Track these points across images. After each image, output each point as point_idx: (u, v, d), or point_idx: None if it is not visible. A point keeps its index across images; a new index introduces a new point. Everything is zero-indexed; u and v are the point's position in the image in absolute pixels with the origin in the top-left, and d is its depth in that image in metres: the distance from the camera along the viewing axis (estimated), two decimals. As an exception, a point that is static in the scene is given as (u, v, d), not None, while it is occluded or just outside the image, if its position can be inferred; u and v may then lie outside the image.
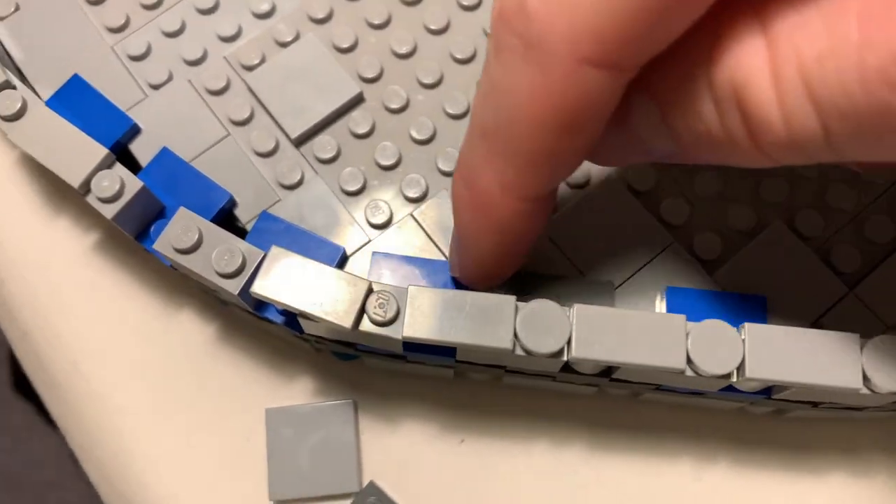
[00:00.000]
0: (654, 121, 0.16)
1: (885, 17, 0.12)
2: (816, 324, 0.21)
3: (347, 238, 0.23)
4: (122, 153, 0.24)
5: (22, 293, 0.26)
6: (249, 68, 0.25)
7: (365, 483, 0.23)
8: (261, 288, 0.19)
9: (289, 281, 0.19)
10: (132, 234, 0.22)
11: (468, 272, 0.20)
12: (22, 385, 0.81)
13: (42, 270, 0.26)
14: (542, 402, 0.23)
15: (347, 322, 0.19)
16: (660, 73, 0.15)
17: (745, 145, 0.14)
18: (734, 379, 0.18)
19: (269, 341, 0.24)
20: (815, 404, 0.21)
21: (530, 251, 0.20)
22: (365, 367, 0.24)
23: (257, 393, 0.24)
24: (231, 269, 0.20)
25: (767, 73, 0.13)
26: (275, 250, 0.19)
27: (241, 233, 0.23)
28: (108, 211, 0.21)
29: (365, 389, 0.24)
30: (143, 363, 0.24)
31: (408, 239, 0.23)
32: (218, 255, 0.20)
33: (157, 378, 0.24)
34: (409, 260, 0.22)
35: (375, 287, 0.19)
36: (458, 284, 0.21)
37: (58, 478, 0.78)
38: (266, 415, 0.23)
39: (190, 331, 0.25)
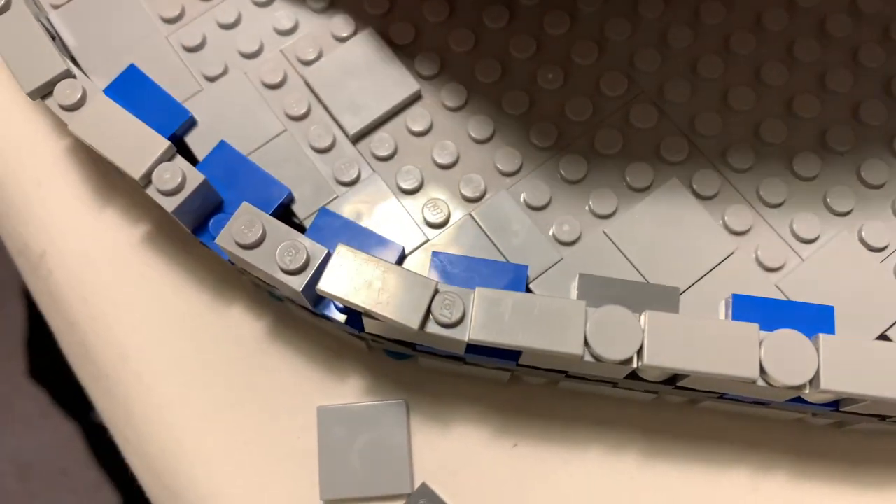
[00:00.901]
0: None
1: None
2: (883, 335, 0.21)
3: (405, 236, 0.22)
4: (178, 145, 0.23)
5: (70, 284, 0.26)
6: (307, 63, 0.24)
7: (417, 485, 0.22)
8: (328, 286, 0.19)
9: (355, 279, 0.19)
10: (190, 228, 0.22)
11: None
12: (37, 372, 0.81)
13: (90, 262, 0.25)
14: (596, 408, 0.23)
15: (414, 323, 0.18)
16: None
17: None
18: (807, 391, 0.18)
19: (321, 338, 0.24)
20: (882, 418, 0.20)
21: None
22: (417, 367, 0.24)
23: (308, 390, 0.24)
24: (296, 265, 0.19)
25: None
26: (342, 248, 0.19)
27: (298, 228, 0.22)
28: (169, 204, 0.21)
29: (417, 390, 0.23)
30: (192, 358, 0.24)
31: (466, 239, 0.22)
32: (282, 251, 0.20)
33: (208, 373, 0.24)
34: (469, 260, 0.21)
35: (441, 288, 0.19)
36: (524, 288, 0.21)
37: (69, 465, 0.78)
38: (318, 413, 0.23)
39: (241, 326, 0.24)
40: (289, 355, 0.24)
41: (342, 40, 0.25)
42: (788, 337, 0.18)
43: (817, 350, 0.18)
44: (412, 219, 0.23)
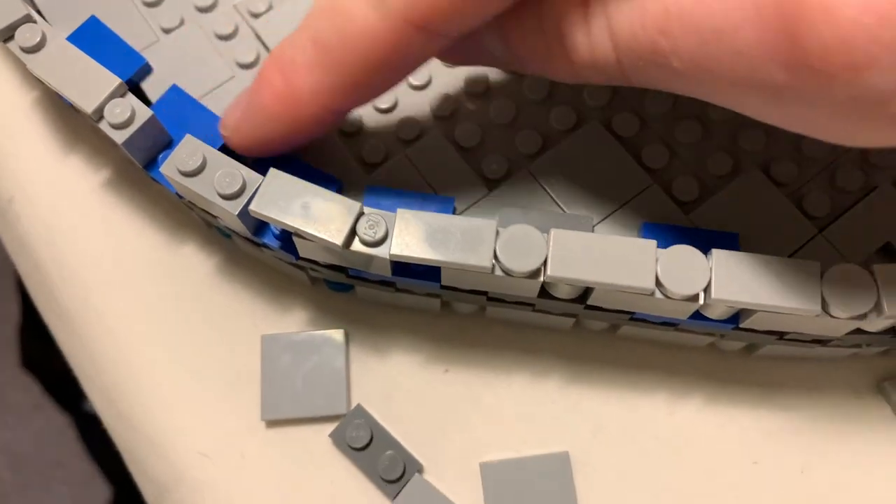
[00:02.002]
0: (497, 39, 0.20)
1: None
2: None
3: (343, 175, 0.24)
4: (135, 92, 0.25)
5: (36, 228, 0.27)
6: (257, 15, 0.26)
7: (354, 406, 0.24)
8: (258, 206, 0.20)
9: (285, 201, 0.20)
10: (141, 163, 0.23)
11: (245, 140, 0.22)
12: (30, 362, 0.83)
13: (55, 207, 0.27)
14: (523, 336, 0.24)
15: (339, 240, 0.20)
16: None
17: (561, 63, 0.18)
18: (700, 302, 0.19)
19: (267, 274, 0.26)
20: (781, 336, 0.22)
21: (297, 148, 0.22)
22: (357, 299, 0.25)
23: (255, 321, 0.25)
24: (232, 190, 0.21)
25: (583, 18, 0.17)
26: (273, 172, 0.21)
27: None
28: (119, 136, 0.22)
29: (357, 321, 0.25)
30: (148, 293, 0.26)
31: (401, 176, 0.24)
32: (220, 177, 0.21)
33: (162, 308, 0.25)
34: (401, 194, 0.23)
35: (366, 210, 0.20)
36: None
37: (63, 456, 0.79)
38: (262, 341, 0.24)
39: (193, 263, 0.26)
40: (237, 290, 0.26)
41: (291, -5, 0.26)
42: (683, 251, 0.20)
43: (710, 263, 0.19)
44: (352, 158, 0.24)
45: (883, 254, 0.23)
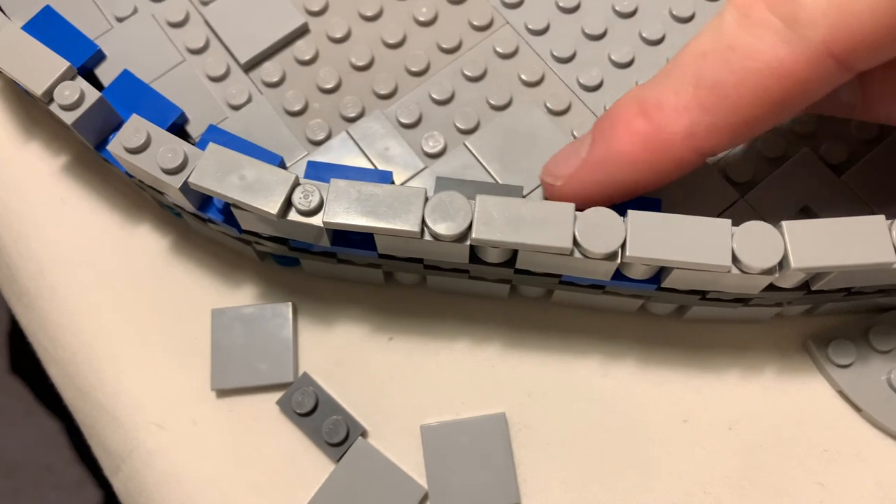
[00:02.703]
0: (855, 93, 0.20)
1: None
2: (709, 227, 0.23)
3: (288, 152, 0.25)
4: (89, 78, 0.26)
5: (-2, 211, 0.28)
6: (206, 3, 0.27)
7: (300, 374, 0.25)
8: (197, 178, 0.21)
9: (223, 174, 0.21)
10: (92, 144, 0.24)
11: (580, 189, 0.21)
12: (20, 368, 0.83)
13: (15, 189, 0.28)
14: (463, 305, 0.25)
15: (274, 209, 0.21)
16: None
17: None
18: (618, 260, 0.20)
19: (218, 251, 0.27)
20: (703, 296, 0.23)
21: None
22: (304, 274, 0.26)
23: (206, 297, 0.26)
24: (174, 165, 0.22)
25: None
26: (212, 147, 0.22)
27: (192, 147, 0.25)
28: (69, 118, 0.23)
29: (304, 294, 0.26)
30: (105, 271, 0.27)
31: (342, 152, 0.25)
32: (163, 152, 0.22)
33: (116, 284, 0.26)
34: (341, 167, 0.24)
35: (302, 181, 0.21)
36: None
37: (55, 461, 0.80)
38: (211, 314, 0.25)
39: (148, 242, 0.27)
40: (189, 267, 0.26)
41: (239, -17, 0.27)
42: (600, 213, 0.20)
43: (626, 223, 0.20)
44: (295, 137, 0.25)
45: (802, 216, 0.24)
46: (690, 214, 0.23)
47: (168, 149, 0.22)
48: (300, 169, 0.25)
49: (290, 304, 0.25)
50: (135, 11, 0.27)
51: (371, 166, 0.25)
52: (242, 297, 0.26)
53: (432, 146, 0.25)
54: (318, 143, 0.25)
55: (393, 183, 0.24)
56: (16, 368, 0.82)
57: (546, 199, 0.23)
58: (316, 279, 0.26)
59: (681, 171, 0.20)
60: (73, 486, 0.79)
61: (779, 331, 0.25)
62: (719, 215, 0.23)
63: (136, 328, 0.26)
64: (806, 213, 0.24)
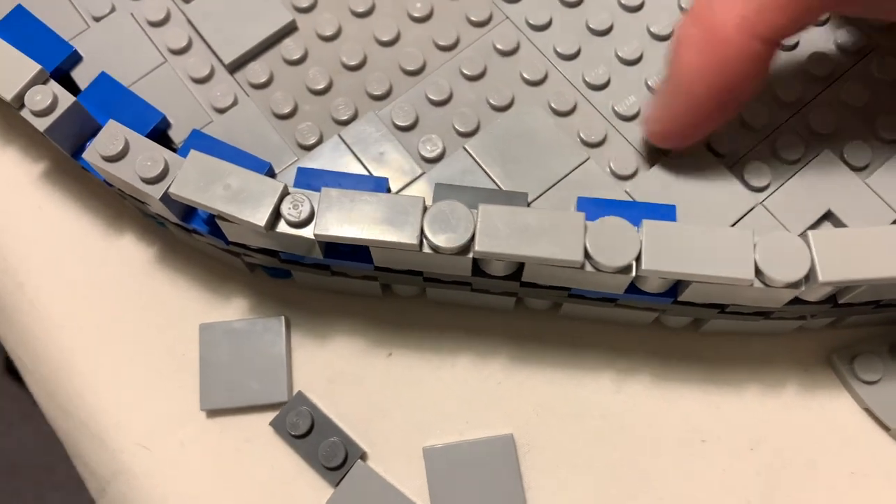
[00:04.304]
0: None
1: None
2: (726, 234, 0.22)
3: (277, 158, 0.23)
4: (66, 80, 0.24)
5: (-27, 221, 0.27)
6: (188, 0, 0.25)
7: (295, 394, 0.23)
8: (178, 188, 0.20)
9: (207, 183, 0.20)
10: (68, 151, 0.23)
11: (673, 122, 0.21)
12: (14, 369, 0.82)
13: (-8, 199, 0.26)
14: (466, 318, 0.24)
15: (262, 221, 0.19)
16: None
17: None
18: (633, 273, 0.19)
19: (206, 262, 0.25)
20: (722, 309, 0.21)
21: (739, 110, 0.21)
22: (298, 286, 0.24)
23: (194, 310, 0.25)
24: (154, 174, 0.20)
25: None
26: (194, 154, 0.20)
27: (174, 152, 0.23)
28: (41, 124, 0.22)
29: (297, 307, 0.24)
30: (86, 283, 0.25)
31: (334, 158, 0.23)
32: (142, 161, 0.21)
33: (99, 298, 0.25)
34: (333, 174, 0.22)
35: (291, 190, 0.20)
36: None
37: (54, 462, 0.79)
38: (200, 329, 0.24)
39: (131, 252, 0.25)
40: (176, 279, 0.25)
41: (224, -22, 0.26)
42: (613, 223, 0.19)
43: (641, 234, 0.19)
44: (284, 141, 0.24)
45: (824, 221, 0.22)
46: (706, 221, 0.22)
47: (147, 157, 0.21)
48: (290, 176, 0.23)
49: (282, 318, 0.24)
50: (112, 10, 0.25)
51: (365, 172, 0.23)
52: (232, 310, 0.25)
53: (430, 150, 0.23)
54: (308, 148, 0.24)
55: (389, 190, 0.23)
56: (11, 370, 0.81)
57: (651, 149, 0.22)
58: (309, 291, 0.25)
59: (754, 68, 0.19)
60: (73, 486, 0.78)
61: (801, 344, 0.23)
62: (737, 221, 0.22)
63: (120, 344, 0.24)
64: (828, 218, 0.22)
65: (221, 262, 0.25)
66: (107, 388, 0.24)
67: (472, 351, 0.24)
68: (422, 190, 0.23)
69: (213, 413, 0.24)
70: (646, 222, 0.19)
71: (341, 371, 0.24)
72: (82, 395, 0.24)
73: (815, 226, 0.22)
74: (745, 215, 0.22)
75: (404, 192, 0.23)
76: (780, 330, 0.23)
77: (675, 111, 0.20)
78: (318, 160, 0.23)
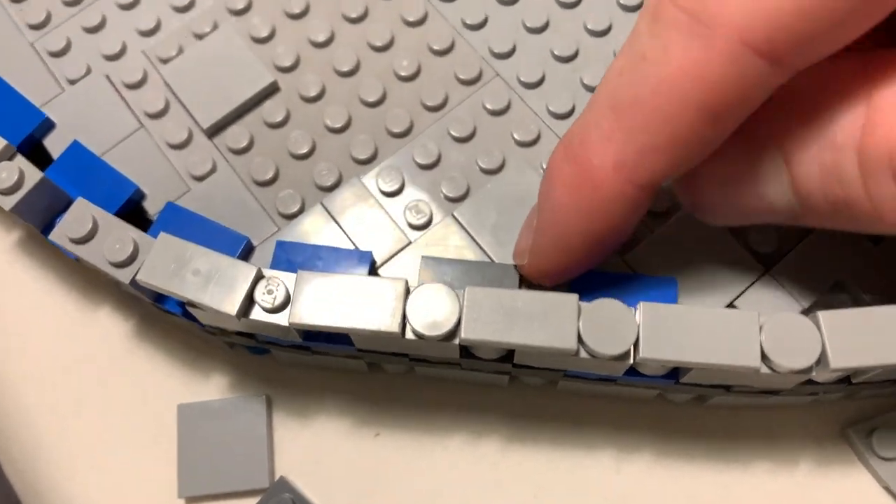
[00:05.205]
0: (783, 181, 0.16)
1: None
2: (731, 306, 0.21)
3: (255, 228, 0.22)
4: (37, 149, 0.24)
5: (-54, 293, 0.26)
6: (165, 61, 0.24)
7: (276, 479, 0.22)
8: (145, 275, 0.19)
9: (177, 268, 0.19)
10: (38, 227, 0.22)
11: (540, 259, 0.19)
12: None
13: (-35, 270, 0.25)
14: (458, 394, 0.23)
15: (233, 309, 0.18)
16: (797, 133, 0.15)
17: (891, 217, 0.15)
18: (630, 361, 0.18)
19: (185, 338, 0.24)
20: (727, 388, 0.20)
21: (607, 256, 0.19)
22: (280, 362, 0.23)
23: (172, 389, 0.23)
24: (122, 257, 0.19)
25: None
26: (163, 237, 0.19)
27: (150, 224, 0.22)
28: (7, 203, 0.21)
29: (280, 385, 0.23)
30: (60, 359, 0.24)
31: (316, 228, 0.22)
32: (111, 243, 0.20)
33: (73, 374, 0.24)
34: (314, 248, 0.21)
35: (266, 273, 0.19)
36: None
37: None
38: (178, 410, 0.23)
39: (108, 327, 0.24)
40: (154, 355, 0.24)
41: (202, 37, 0.25)
42: (609, 306, 0.18)
43: (638, 318, 0.18)
44: (264, 210, 0.23)
45: (836, 292, 0.21)
46: (710, 292, 0.21)
47: (116, 238, 0.20)
48: (270, 248, 0.22)
49: (263, 397, 0.23)
50: (88, 72, 0.25)
51: (349, 243, 0.22)
52: (211, 388, 0.23)
53: (417, 217, 0.22)
54: (290, 217, 0.23)
55: (374, 263, 0.22)
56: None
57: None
58: (292, 366, 0.23)
59: (631, 211, 0.17)
60: None
61: (814, 416, 0.22)
62: (743, 292, 0.21)
63: (95, 425, 0.23)
64: (840, 288, 0.21)
65: (200, 338, 0.24)
66: (82, 471, 0.23)
67: (466, 429, 0.23)
68: (408, 261, 0.22)
69: (192, 500, 0.22)
70: (643, 305, 0.18)
71: (326, 453, 0.23)
72: (56, 479, 0.23)
73: (826, 296, 0.21)
74: (750, 286, 0.21)
75: (391, 263, 0.22)
76: (791, 404, 0.22)
77: (545, 249, 0.19)
78: (300, 230, 0.22)
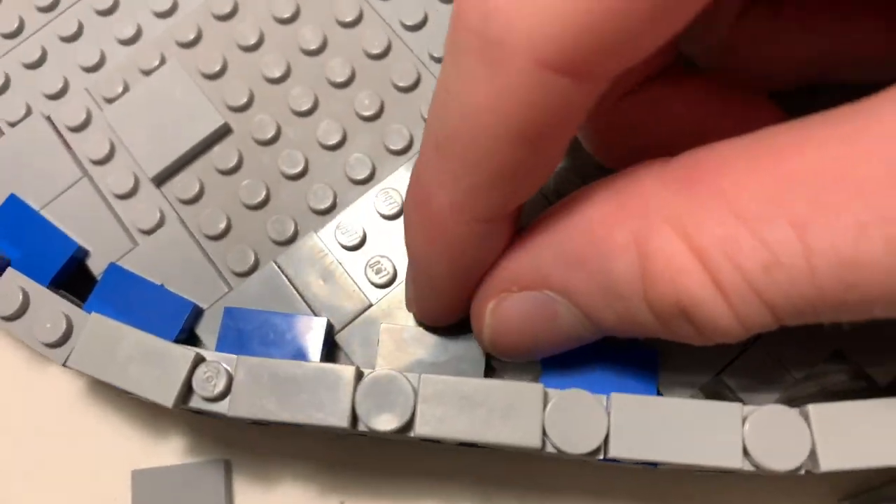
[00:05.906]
0: (582, 324, 0.16)
1: (821, 224, 0.12)
2: (718, 377, 0.19)
3: (205, 288, 0.21)
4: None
5: None
6: (110, 100, 0.23)
7: (235, 552, 0.21)
8: (76, 362, 0.17)
9: (109, 353, 0.17)
10: (-28, 293, 0.20)
11: (424, 305, 0.19)
12: None
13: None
14: (427, 458, 0.21)
15: (169, 400, 0.17)
16: (583, 286, 0.15)
17: (695, 340, 0.15)
18: (599, 456, 0.16)
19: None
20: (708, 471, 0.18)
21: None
22: (239, 425, 0.22)
23: (127, 452, 0.22)
24: (54, 338, 0.18)
25: (713, 291, 0.13)
26: (95, 318, 0.18)
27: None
28: (-68, 273, 0.19)
29: (240, 448, 0.22)
30: (5, 420, 0.23)
31: (269, 288, 0.21)
32: (41, 322, 0.18)
33: (22, 436, 0.23)
34: (266, 315, 0.20)
35: (207, 356, 0.17)
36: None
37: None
38: (132, 477, 0.22)
39: (58, 384, 0.23)
40: (107, 416, 0.23)
41: (149, 73, 0.23)
42: (577, 398, 0.16)
43: (609, 410, 0.16)
44: (214, 269, 0.21)
45: (833, 361, 0.19)
46: (695, 360, 0.19)
47: (47, 316, 0.18)
48: (219, 311, 0.20)
49: (221, 463, 0.22)
50: (28, 113, 0.23)
51: (304, 306, 0.20)
52: (168, 452, 0.22)
53: (380, 276, 0.21)
54: (242, 275, 0.21)
55: (332, 329, 0.20)
56: None
57: None
58: (253, 428, 0.22)
59: (489, 240, 0.16)
60: None
61: (807, 488, 0.21)
62: (732, 361, 0.19)
63: (43, 493, 0.22)
64: (838, 358, 0.19)
65: (156, 397, 0.23)
66: (33, 542, 0.22)
67: (437, 496, 0.21)
68: (369, 325, 0.20)
69: (147, 574, 0.21)
70: (615, 397, 0.16)
71: (288, 523, 0.21)
72: (8, 551, 0.22)
73: (823, 366, 0.19)
74: (740, 355, 0.19)
75: (351, 328, 0.20)
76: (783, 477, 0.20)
77: (424, 295, 0.18)
78: (252, 293, 0.21)
